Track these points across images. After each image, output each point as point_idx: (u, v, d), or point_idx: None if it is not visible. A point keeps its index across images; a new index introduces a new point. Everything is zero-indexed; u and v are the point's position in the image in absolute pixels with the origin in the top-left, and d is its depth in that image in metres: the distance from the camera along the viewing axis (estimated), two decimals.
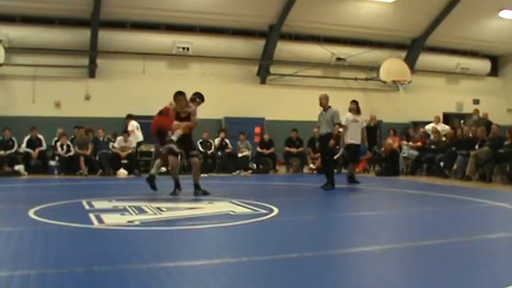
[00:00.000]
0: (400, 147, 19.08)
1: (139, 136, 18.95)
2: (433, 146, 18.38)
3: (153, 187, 11.19)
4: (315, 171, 19.10)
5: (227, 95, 22.44)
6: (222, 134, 20.10)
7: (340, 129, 13.46)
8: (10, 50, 19.76)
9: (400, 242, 6.44)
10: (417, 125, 22.52)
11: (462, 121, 22.18)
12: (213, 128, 21.16)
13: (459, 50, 26.15)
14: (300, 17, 22.25)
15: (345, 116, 14.20)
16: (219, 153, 19.69)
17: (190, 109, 11.71)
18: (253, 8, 21.77)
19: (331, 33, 23.79)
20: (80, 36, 21.18)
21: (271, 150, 19.85)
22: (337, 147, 14.45)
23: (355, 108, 14.44)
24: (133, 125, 19.18)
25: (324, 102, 13.39)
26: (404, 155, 18.78)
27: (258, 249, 6.02)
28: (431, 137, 18.93)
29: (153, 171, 11.52)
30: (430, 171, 17.96)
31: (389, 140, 19.30)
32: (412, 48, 25.21)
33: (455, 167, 16.63)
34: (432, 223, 8.14)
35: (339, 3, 22.38)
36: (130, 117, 19.50)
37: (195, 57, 22.78)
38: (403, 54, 25.13)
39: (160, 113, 12.25)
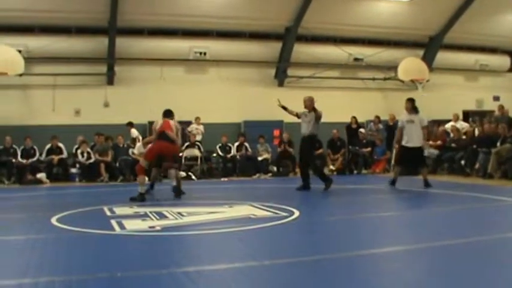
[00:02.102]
0: None
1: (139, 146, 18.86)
2: (453, 145, 18.25)
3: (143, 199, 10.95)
4: (334, 173, 19.06)
5: (245, 98, 22.46)
6: (241, 138, 20.14)
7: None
8: (29, 59, 19.89)
9: (422, 242, 6.39)
10: (437, 123, 22.39)
11: (471, 119, 21.93)
12: (231, 132, 21.21)
13: (477, 47, 25.92)
14: (316, 19, 22.20)
15: (400, 117, 13.82)
16: (238, 156, 19.73)
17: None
18: (269, 11, 21.78)
19: (347, 33, 23.70)
20: (97, 44, 21.31)
21: (292, 150, 19.81)
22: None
23: (410, 107, 13.53)
24: (134, 132, 19.33)
25: (307, 104, 13.31)
26: (425, 154, 18.63)
27: (279, 252, 6.02)
28: (451, 135, 18.81)
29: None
30: (451, 169, 17.84)
31: None
32: (429, 46, 25.06)
33: (477, 165, 16.49)
34: (454, 222, 8.08)
35: (354, 3, 22.32)
36: (130, 124, 19.64)
37: (213, 62, 22.83)
38: (421, 52, 24.99)
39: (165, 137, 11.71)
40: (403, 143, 13.34)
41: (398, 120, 14.92)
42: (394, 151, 16.49)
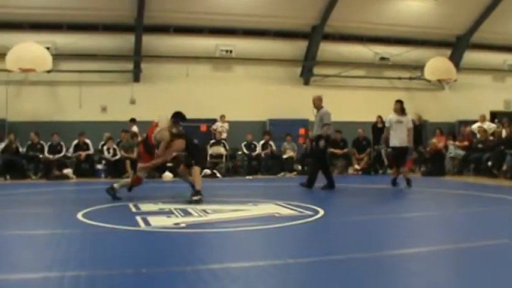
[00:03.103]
0: (446, 146, 18.82)
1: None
2: (480, 145, 18.07)
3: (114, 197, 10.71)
4: (360, 172, 18.99)
5: (270, 96, 22.46)
6: (267, 137, 20.14)
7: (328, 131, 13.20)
8: (57, 56, 20.12)
9: (447, 244, 6.33)
10: (463, 123, 22.20)
11: (496, 120, 21.71)
12: (257, 130, 21.23)
13: (506, 46, 25.56)
14: (343, 17, 22.13)
15: (388, 117, 13.98)
16: (263, 154, 19.74)
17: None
18: (296, 9, 21.75)
19: (374, 32, 23.57)
20: (124, 42, 21.46)
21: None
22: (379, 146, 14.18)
23: (399, 109, 13.83)
24: (134, 128, 19.48)
25: (316, 103, 13.37)
26: (451, 155, 18.51)
27: (304, 251, 6.00)
28: (478, 135, 18.62)
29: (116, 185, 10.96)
30: (478, 171, 17.66)
31: (434, 140, 19.06)
32: (456, 46, 24.84)
33: (504, 166, 16.31)
34: (481, 224, 8.00)
35: (381, 1, 22.22)
36: (133, 121, 19.80)
37: (238, 60, 22.88)
38: (448, 52, 24.78)
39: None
40: (392, 142, 13.69)
41: (423, 120, 14.88)
42: (383, 151, 16.96)
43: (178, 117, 11.06)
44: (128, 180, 11.75)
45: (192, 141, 10.85)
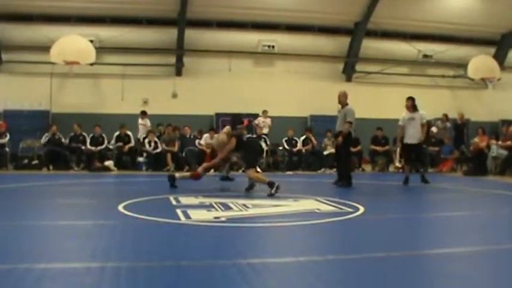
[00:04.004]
0: (488, 146, 18.51)
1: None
2: None
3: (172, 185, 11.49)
4: (400, 170, 18.79)
5: (312, 92, 22.39)
6: (308, 133, 20.07)
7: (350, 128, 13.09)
8: (101, 49, 20.35)
9: (487, 245, 6.19)
10: (507, 123, 21.80)
11: None
12: (298, 125, 21.16)
13: None
14: (386, 14, 21.94)
15: (401, 115, 13.94)
16: (304, 150, 19.68)
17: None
18: (339, 5, 21.64)
19: (417, 29, 23.32)
20: (167, 36, 21.61)
21: (358, 148, 19.60)
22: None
23: (410, 106, 13.80)
24: (147, 121, 19.66)
25: (342, 100, 13.33)
26: (493, 155, 18.18)
27: (343, 247, 5.95)
28: None
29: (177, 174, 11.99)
30: None
31: (476, 139, 18.78)
32: (501, 44, 24.42)
33: None
34: None
35: None
36: (144, 114, 19.94)
37: (280, 55, 22.85)
38: (492, 50, 24.38)
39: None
40: (405, 140, 13.72)
41: (465, 119, 14.68)
42: (398, 149, 16.85)
43: (234, 121, 11.77)
44: (188, 173, 12.54)
45: (244, 142, 11.39)
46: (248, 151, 11.39)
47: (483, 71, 21.32)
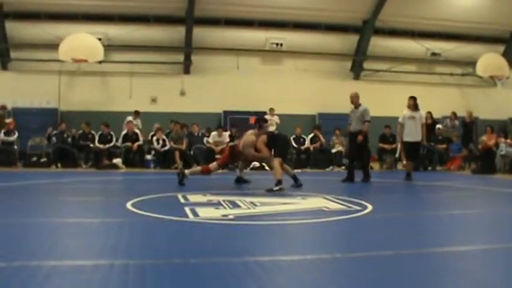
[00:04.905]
0: (497, 144, 18.45)
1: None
2: None
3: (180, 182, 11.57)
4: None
5: (320, 90, 22.39)
6: (316, 130, 20.05)
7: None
8: (109, 47, 20.39)
9: (497, 243, 6.17)
10: None
11: None
12: (306, 123, 21.14)
13: None
14: (394, 12, 21.89)
15: (402, 113, 14.22)
16: (312, 148, 19.66)
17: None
18: (347, 3, 21.61)
19: (425, 27, 23.25)
20: (175, 34, 21.64)
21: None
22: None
23: (412, 104, 14.23)
24: (138, 122, 19.59)
25: (354, 100, 13.63)
26: (502, 153, 18.12)
27: (352, 245, 5.93)
28: None
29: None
30: None
31: (484, 138, 18.72)
32: (510, 42, 24.31)
33: None
34: None
35: None
36: (137, 113, 19.90)
37: (288, 53, 22.84)
38: (501, 48, 24.28)
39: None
40: (404, 137, 14.15)
41: (474, 117, 14.70)
42: (399, 146, 17.43)
43: (259, 121, 11.95)
44: (198, 168, 12.70)
45: (275, 136, 12.07)
46: (280, 143, 11.80)
47: (492, 69, 21.23)
